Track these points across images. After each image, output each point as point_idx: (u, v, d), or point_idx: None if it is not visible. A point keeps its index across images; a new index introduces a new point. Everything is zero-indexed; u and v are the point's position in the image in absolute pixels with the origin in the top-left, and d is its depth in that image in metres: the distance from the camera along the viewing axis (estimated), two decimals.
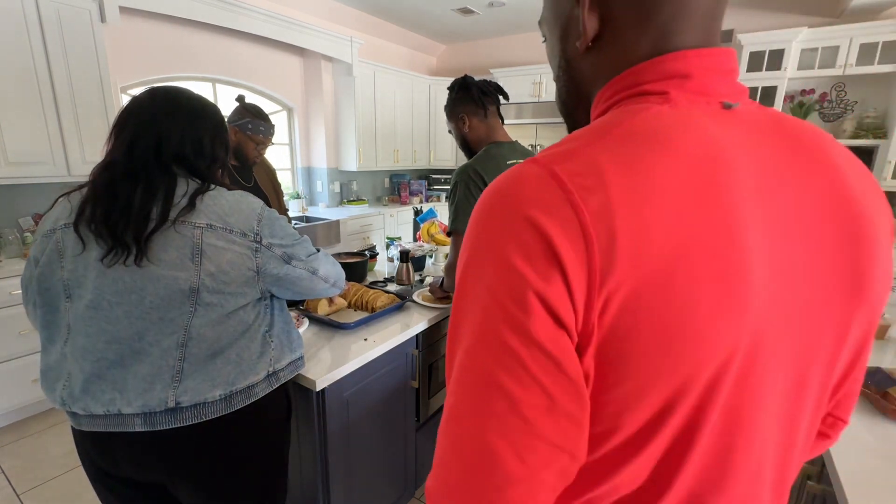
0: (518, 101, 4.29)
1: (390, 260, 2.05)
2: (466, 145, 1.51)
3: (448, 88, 1.48)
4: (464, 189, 1.35)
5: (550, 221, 0.30)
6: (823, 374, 0.39)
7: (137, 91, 3.00)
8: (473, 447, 0.31)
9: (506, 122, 4.53)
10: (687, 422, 0.34)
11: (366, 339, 1.33)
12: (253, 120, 1.69)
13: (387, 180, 5.00)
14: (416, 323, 1.48)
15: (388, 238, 2.24)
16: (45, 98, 2.26)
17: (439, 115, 5.01)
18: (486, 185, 1.31)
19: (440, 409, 1.73)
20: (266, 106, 3.89)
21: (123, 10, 2.51)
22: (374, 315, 1.45)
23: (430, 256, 2.12)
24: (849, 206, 0.36)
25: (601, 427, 0.34)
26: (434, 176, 5.21)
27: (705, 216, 0.31)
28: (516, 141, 1.53)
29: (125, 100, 2.82)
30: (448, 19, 4.28)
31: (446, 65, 5.35)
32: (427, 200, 4.97)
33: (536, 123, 4.21)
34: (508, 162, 1.41)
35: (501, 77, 4.36)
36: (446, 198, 1.51)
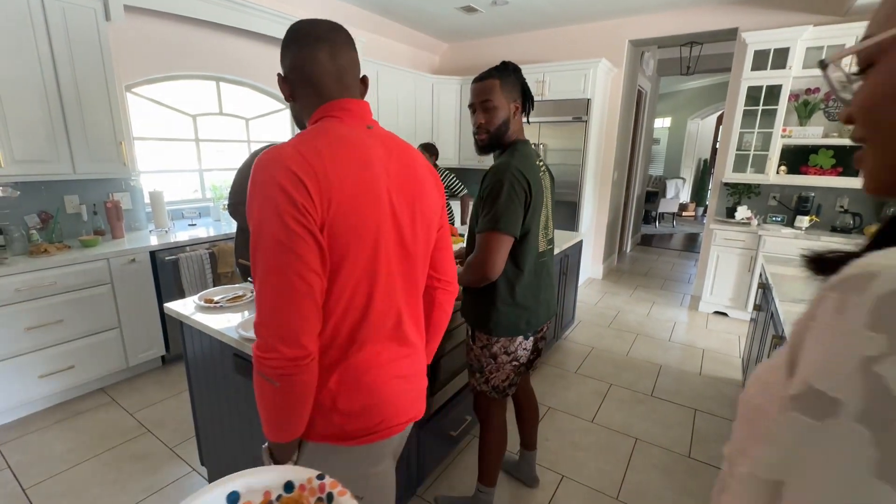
0: None
1: None
2: (498, 135, 1.37)
3: (503, 66, 1.35)
4: (509, 188, 1.28)
5: (300, 171, 0.69)
6: (423, 246, 0.88)
7: (142, 90, 3.05)
8: (280, 281, 0.69)
9: None
10: (370, 265, 0.78)
11: None
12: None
13: None
14: None
15: None
16: (51, 96, 2.27)
17: (442, 114, 5.00)
18: (529, 184, 1.31)
19: (443, 406, 1.73)
20: (267, 104, 3.90)
21: (128, 8, 2.53)
22: None
23: None
24: (415, 173, 0.86)
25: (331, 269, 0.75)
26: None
27: (365, 173, 0.75)
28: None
29: (130, 99, 2.84)
30: (452, 18, 4.27)
31: (449, 63, 5.34)
32: None
33: (539, 122, 4.20)
34: (537, 163, 1.40)
35: None
36: (481, 196, 1.44)
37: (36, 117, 2.24)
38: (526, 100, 1.42)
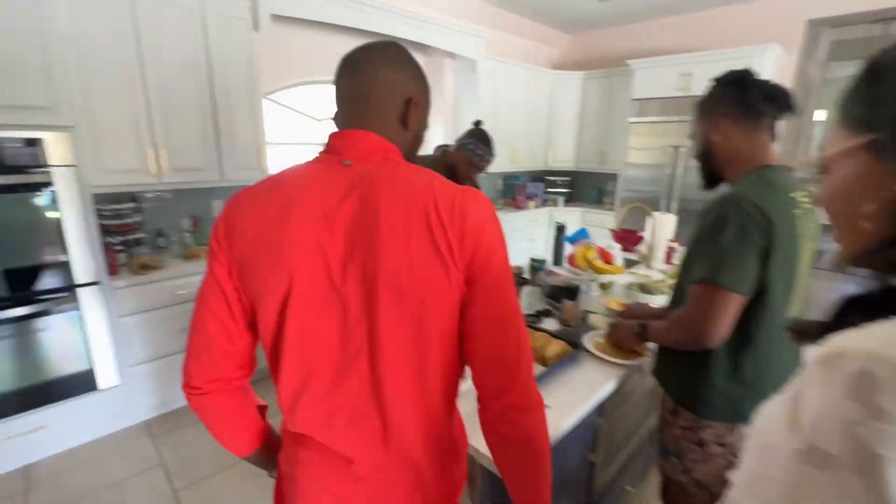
0: (660, 96, 3.74)
1: (524, 283, 1.80)
2: (709, 161, 1.13)
3: (714, 80, 1.10)
4: (737, 232, 0.96)
5: (223, 211, 0.67)
6: (398, 325, 0.64)
7: (277, 96, 3.15)
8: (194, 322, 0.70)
9: (646, 119, 3.93)
10: (276, 328, 0.66)
11: (549, 406, 1.09)
12: (475, 142, 1.76)
13: (500, 182, 4.75)
14: (598, 382, 1.20)
15: (533, 260, 1.98)
16: (205, 107, 2.37)
17: (560, 111, 4.62)
18: (770, 227, 0.96)
19: (614, 479, 1.44)
20: None
21: (274, 17, 2.56)
22: (550, 370, 1.20)
23: (586, 287, 1.82)
24: (376, 222, 0.62)
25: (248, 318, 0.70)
26: (550, 178, 4.84)
27: (279, 217, 0.63)
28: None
29: (265, 106, 2.92)
30: (582, 6, 3.86)
31: (571, 57, 4.92)
32: (544, 204, 4.63)
33: (681, 121, 3.64)
34: (791, 196, 1.02)
35: (641, 69, 3.84)
36: (699, 236, 1.12)
37: (194, 128, 2.34)
38: (765, 106, 1.05)
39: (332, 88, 0.72)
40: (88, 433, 2.11)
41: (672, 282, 1.98)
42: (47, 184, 1.80)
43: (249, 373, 0.75)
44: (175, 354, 2.27)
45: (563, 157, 4.76)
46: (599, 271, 1.79)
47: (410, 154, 0.75)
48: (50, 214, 1.83)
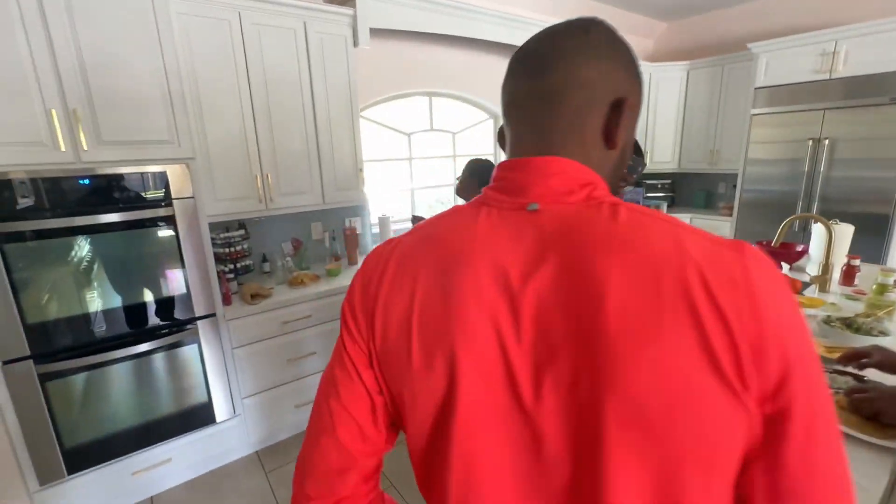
0: (793, 82, 3.21)
1: None
2: None
3: None
4: None
5: (358, 278, 0.54)
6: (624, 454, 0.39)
7: (369, 113, 3.08)
8: (316, 405, 0.54)
9: (774, 109, 3.35)
10: (428, 441, 0.47)
11: None
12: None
13: None
14: (866, 475, 0.88)
15: None
16: (308, 128, 2.30)
17: (660, 108, 4.17)
18: None
19: None
20: (470, 116, 3.67)
21: (372, 31, 2.46)
22: None
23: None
24: (601, 305, 0.37)
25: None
26: (650, 181, 4.39)
27: (425, 295, 0.46)
28: None
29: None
30: None
31: (667, 46, 4.45)
32: None
33: (823, 109, 3.08)
34: None
35: (766, 52, 3.31)
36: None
37: (297, 150, 2.29)
38: None
39: (505, 101, 0.51)
40: (206, 465, 2.09)
41: (884, 312, 1.57)
42: (170, 217, 1.78)
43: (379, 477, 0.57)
44: (281, 386, 2.20)
45: (664, 157, 4.29)
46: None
47: (614, 185, 0.51)
48: (171, 247, 1.81)
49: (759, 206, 3.52)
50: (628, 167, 1.46)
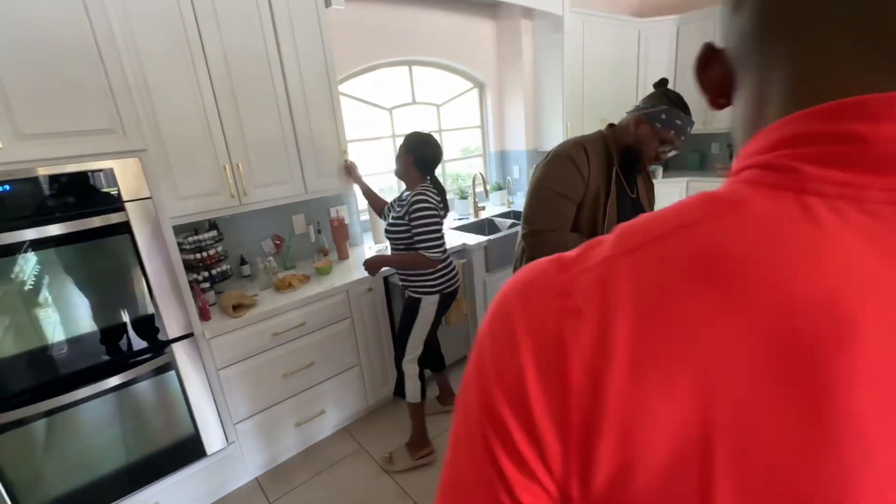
0: None
1: None
2: None
3: None
4: None
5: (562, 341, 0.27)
6: None
7: (346, 88, 2.73)
8: None
9: None
10: None
11: None
12: (670, 110, 1.27)
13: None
14: None
15: None
16: (281, 107, 1.97)
17: (650, 69, 3.95)
18: None
19: None
20: (454, 86, 3.36)
21: None
22: None
23: None
24: None
25: None
26: None
27: (756, 376, 0.22)
28: None
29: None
30: None
31: (654, 1, 4.21)
32: None
33: None
34: None
35: None
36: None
37: (271, 133, 1.96)
38: None
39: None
40: (201, 501, 1.84)
41: None
42: (124, 224, 1.46)
43: None
44: (279, 404, 1.95)
45: None
46: None
47: None
48: (130, 259, 1.50)
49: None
50: (675, 128, 1.24)
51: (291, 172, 2.05)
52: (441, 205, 1.79)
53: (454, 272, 1.94)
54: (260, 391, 1.88)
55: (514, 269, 1.62)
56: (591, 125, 3.67)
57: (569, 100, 3.42)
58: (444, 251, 1.80)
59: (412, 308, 1.87)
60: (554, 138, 3.55)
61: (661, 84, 1.34)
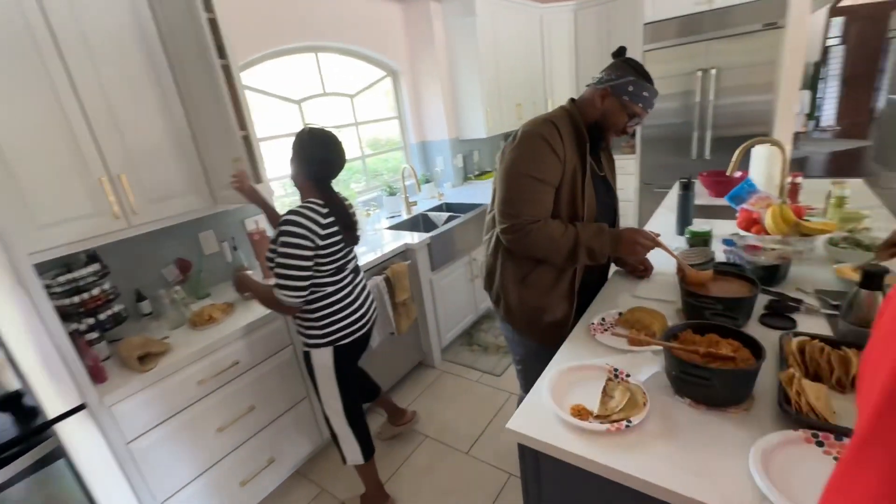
0: (677, 15, 3.31)
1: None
2: None
3: None
4: None
5: None
6: None
7: (247, 74, 2.33)
8: None
9: (663, 44, 3.46)
10: None
11: None
12: (637, 81, 1.20)
13: (503, 143, 4.19)
14: None
15: (693, 234, 1.51)
16: (170, 99, 1.58)
17: (555, 55, 4.07)
18: None
19: None
20: (368, 74, 3.12)
21: None
22: None
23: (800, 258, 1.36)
24: None
25: None
26: None
27: None
28: None
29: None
30: None
31: None
32: None
33: (707, 39, 3.24)
34: None
35: None
36: None
37: (157, 134, 1.57)
38: None
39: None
40: None
41: (860, 224, 1.61)
42: None
43: None
44: (216, 465, 1.59)
45: (562, 102, 4.26)
46: (812, 232, 1.35)
47: None
48: None
49: (659, 140, 3.69)
50: (642, 100, 1.20)
51: (192, 181, 1.67)
52: (327, 230, 1.33)
53: (358, 313, 1.49)
54: (190, 456, 1.51)
55: (487, 269, 1.46)
56: (508, 114, 3.68)
57: (487, 87, 3.36)
58: (304, 296, 1.34)
59: (307, 363, 1.49)
60: (475, 126, 3.48)
61: (620, 53, 1.28)
